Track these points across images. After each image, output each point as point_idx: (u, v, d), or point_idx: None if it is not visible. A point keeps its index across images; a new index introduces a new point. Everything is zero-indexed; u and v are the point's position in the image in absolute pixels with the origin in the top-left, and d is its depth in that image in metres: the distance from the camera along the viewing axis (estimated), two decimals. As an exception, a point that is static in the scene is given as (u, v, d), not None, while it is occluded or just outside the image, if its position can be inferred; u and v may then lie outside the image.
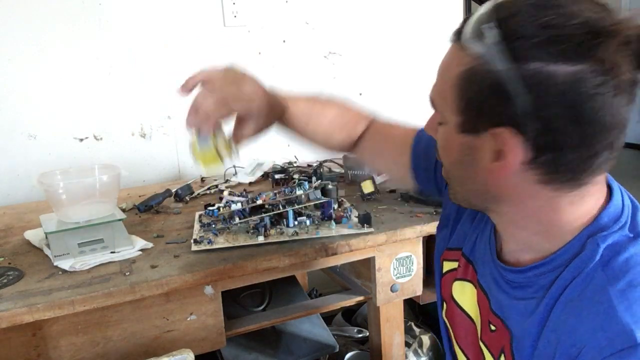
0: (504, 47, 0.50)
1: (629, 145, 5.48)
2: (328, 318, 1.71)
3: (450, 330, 0.77)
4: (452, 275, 0.76)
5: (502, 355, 0.63)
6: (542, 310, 0.57)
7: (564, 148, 0.52)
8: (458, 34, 0.55)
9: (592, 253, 0.54)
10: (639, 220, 0.57)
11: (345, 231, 1.09)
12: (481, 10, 0.53)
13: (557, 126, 0.50)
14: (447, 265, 0.79)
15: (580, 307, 0.53)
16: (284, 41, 1.86)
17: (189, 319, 0.99)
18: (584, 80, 0.48)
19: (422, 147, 0.84)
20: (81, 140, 1.65)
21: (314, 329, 1.40)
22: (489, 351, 0.66)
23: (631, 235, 0.55)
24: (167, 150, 1.77)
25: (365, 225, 1.10)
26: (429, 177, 0.84)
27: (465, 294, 0.73)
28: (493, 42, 0.50)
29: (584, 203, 0.57)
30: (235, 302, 1.26)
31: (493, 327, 0.65)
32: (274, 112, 0.83)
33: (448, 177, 0.64)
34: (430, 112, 0.66)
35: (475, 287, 0.70)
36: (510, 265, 0.63)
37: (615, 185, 0.61)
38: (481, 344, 0.68)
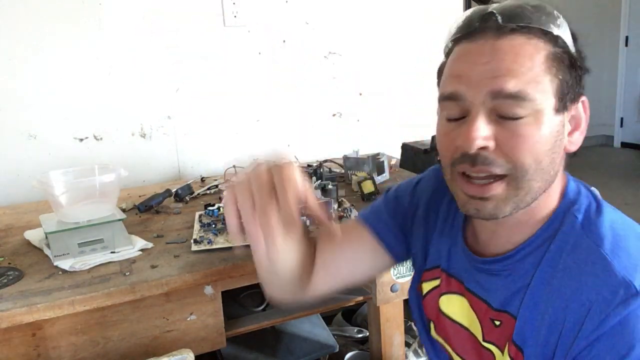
0: (570, 31, 0.60)
1: (629, 145, 5.48)
2: (328, 318, 1.71)
3: (446, 345, 0.76)
4: (437, 292, 0.76)
5: (506, 346, 0.64)
6: (537, 284, 0.60)
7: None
8: (514, 25, 0.58)
9: (573, 224, 0.60)
10: (590, 189, 0.66)
11: (345, 231, 1.09)
12: (524, 1, 0.60)
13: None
14: (428, 286, 0.78)
15: (579, 271, 0.57)
16: (284, 41, 1.86)
17: (189, 319, 0.99)
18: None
19: (376, 219, 0.82)
20: (81, 140, 1.66)
21: (314, 329, 1.40)
22: (497, 347, 0.66)
23: (595, 202, 0.63)
24: (167, 150, 1.77)
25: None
26: (396, 236, 0.81)
27: (455, 306, 0.73)
28: (564, 27, 0.60)
29: (558, 185, 0.64)
30: (235, 302, 1.26)
31: (497, 323, 0.66)
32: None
33: (531, 177, 0.58)
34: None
35: (465, 296, 0.71)
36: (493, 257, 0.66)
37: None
38: (486, 345, 0.68)
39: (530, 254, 0.62)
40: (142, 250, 1.05)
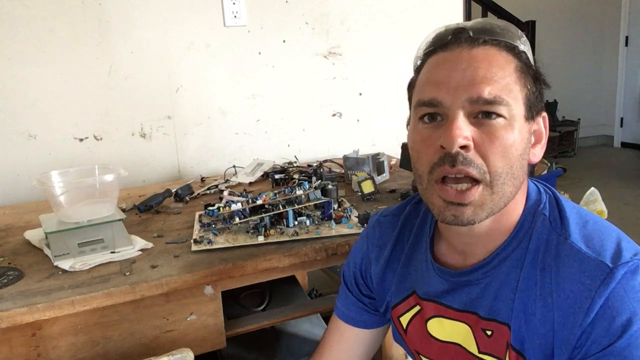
0: (530, 47, 0.65)
1: (629, 145, 5.48)
2: (328, 318, 1.71)
3: None
4: (420, 317, 0.75)
5: (507, 353, 0.64)
6: (523, 287, 0.62)
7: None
8: (486, 37, 0.63)
9: (543, 222, 0.64)
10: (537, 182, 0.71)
11: (345, 231, 1.09)
12: (493, 20, 0.65)
13: None
14: (406, 318, 0.77)
15: (556, 266, 0.60)
16: (284, 41, 1.86)
17: (189, 319, 0.99)
18: None
19: (346, 309, 0.88)
20: (81, 140, 1.66)
21: (314, 329, 1.40)
22: (494, 357, 0.66)
23: (552, 195, 0.68)
24: (167, 150, 1.77)
25: (365, 225, 1.10)
26: (368, 309, 0.86)
27: (442, 327, 0.72)
28: (527, 46, 0.65)
29: (523, 191, 0.67)
30: (235, 302, 1.26)
31: (489, 332, 0.66)
32: None
33: (503, 181, 0.61)
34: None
35: (450, 317, 0.70)
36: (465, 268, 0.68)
37: None
38: (482, 356, 0.68)
39: (508, 258, 0.65)
40: (142, 250, 1.05)
